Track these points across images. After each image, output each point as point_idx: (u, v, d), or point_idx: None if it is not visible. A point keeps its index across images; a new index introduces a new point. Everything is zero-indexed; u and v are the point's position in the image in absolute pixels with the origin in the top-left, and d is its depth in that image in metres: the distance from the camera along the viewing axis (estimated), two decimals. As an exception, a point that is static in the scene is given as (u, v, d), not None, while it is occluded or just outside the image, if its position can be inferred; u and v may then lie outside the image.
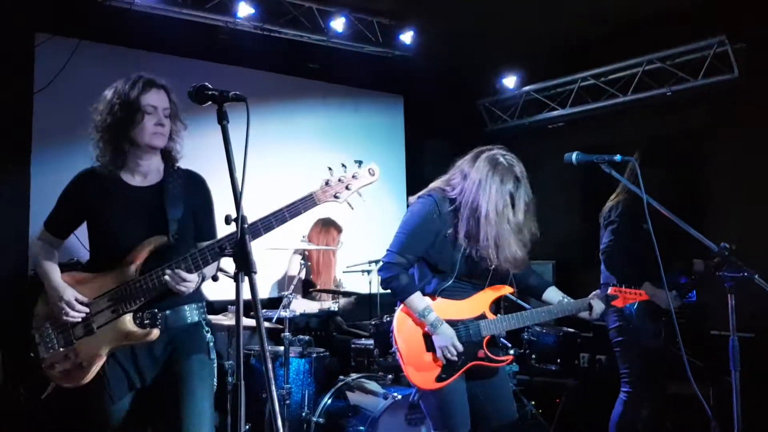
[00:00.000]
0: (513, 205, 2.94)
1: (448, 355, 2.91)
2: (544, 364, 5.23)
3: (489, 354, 3.00)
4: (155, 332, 2.53)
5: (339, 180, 2.54)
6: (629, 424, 3.89)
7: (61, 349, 2.56)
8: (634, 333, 3.86)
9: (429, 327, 2.92)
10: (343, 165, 2.55)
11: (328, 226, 5.45)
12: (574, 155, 3.13)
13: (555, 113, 6.92)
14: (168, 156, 2.71)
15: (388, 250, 3.03)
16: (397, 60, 6.37)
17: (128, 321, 2.52)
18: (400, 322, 3.01)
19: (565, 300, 3.18)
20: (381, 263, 3.07)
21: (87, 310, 2.54)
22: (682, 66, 5.79)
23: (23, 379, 4.22)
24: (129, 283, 2.51)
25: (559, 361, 5.23)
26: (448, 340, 2.91)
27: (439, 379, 2.93)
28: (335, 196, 2.53)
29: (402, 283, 2.97)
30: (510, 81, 7.14)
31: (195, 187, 2.75)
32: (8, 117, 4.83)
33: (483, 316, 3.01)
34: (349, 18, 5.84)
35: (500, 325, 3.02)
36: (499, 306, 3.15)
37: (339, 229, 5.46)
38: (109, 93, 2.58)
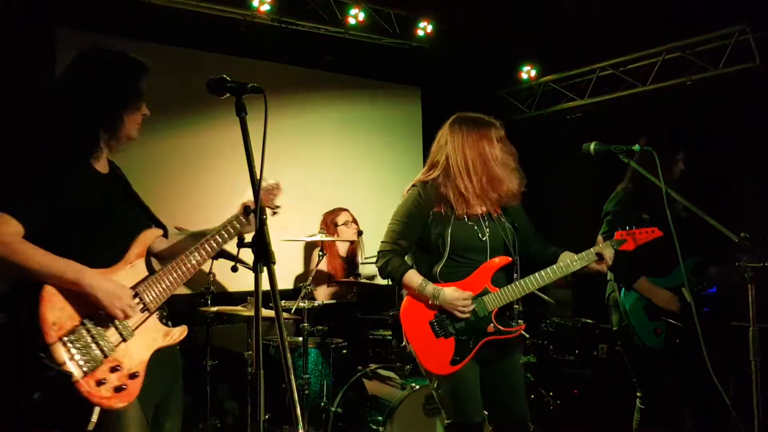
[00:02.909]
0: (486, 143, 3.03)
1: (465, 309, 2.90)
2: (562, 354, 5.23)
3: (499, 327, 2.98)
4: (185, 329, 2.34)
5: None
6: (650, 429, 3.84)
7: (104, 360, 2.08)
8: (634, 334, 3.76)
9: (431, 299, 2.93)
10: None
11: (339, 212, 5.52)
12: (592, 145, 3.12)
13: (573, 104, 6.88)
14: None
15: (381, 242, 3.10)
16: (414, 51, 6.36)
17: (157, 320, 2.29)
18: (405, 314, 3.02)
19: (569, 259, 3.07)
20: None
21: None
22: (703, 55, 5.72)
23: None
24: (150, 278, 2.26)
25: (577, 351, 5.23)
26: (453, 299, 2.90)
27: (453, 362, 2.92)
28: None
29: (395, 265, 3.02)
30: (528, 71, 7.11)
31: (124, 175, 2.49)
32: (29, 112, 4.88)
33: (486, 291, 2.99)
34: (366, 10, 5.84)
35: (504, 296, 2.99)
36: (510, 279, 3.10)
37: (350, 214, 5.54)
38: (96, 61, 2.25)
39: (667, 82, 5.98)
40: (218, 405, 4.86)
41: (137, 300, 2.20)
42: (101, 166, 2.31)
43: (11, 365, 2.01)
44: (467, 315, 2.92)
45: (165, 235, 2.46)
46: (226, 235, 2.45)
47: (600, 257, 3.04)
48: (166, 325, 2.31)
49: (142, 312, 2.22)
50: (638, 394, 3.85)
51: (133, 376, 2.12)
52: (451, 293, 2.91)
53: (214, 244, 2.42)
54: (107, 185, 2.31)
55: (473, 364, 2.98)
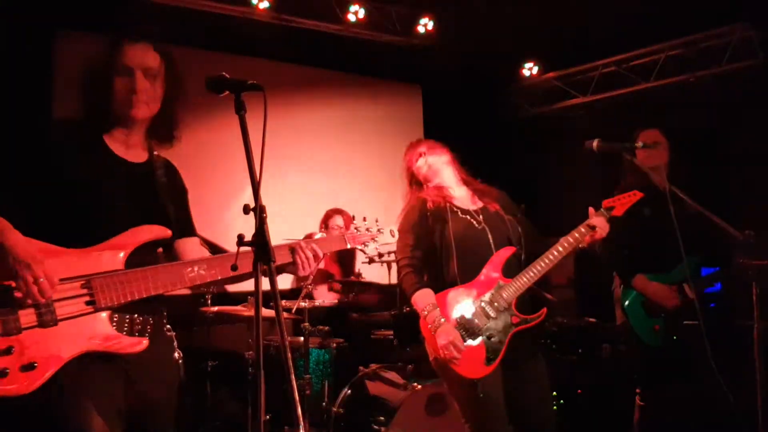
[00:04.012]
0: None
1: (448, 354, 2.83)
2: (566, 354, 5.20)
3: (522, 316, 2.98)
4: (145, 343, 2.06)
5: (367, 230, 2.77)
6: (650, 427, 3.82)
7: None
8: (633, 332, 3.74)
9: (431, 327, 2.90)
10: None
11: (333, 215, 5.47)
12: (595, 142, 3.11)
13: (576, 101, 6.85)
14: (156, 133, 2.28)
15: (398, 260, 3.15)
16: (415, 49, 6.33)
17: (106, 320, 2.00)
18: (428, 327, 2.99)
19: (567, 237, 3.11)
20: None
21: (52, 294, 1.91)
22: (706, 52, 5.70)
23: None
24: (117, 274, 2.02)
25: (580, 351, 5.20)
26: (445, 338, 2.84)
27: (488, 361, 2.89)
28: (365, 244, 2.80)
29: (409, 282, 3.04)
30: (530, 69, 7.09)
31: (175, 178, 2.38)
32: (29, 113, 4.86)
33: (500, 285, 2.99)
34: (366, 7, 5.81)
35: (518, 285, 2.99)
36: (521, 268, 3.07)
37: (347, 218, 5.48)
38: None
39: (669, 79, 5.96)
40: (219, 405, 4.84)
41: (81, 288, 1.96)
42: (125, 151, 2.20)
43: None
44: (450, 359, 2.85)
45: (170, 241, 2.24)
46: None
47: (593, 228, 3.06)
48: (131, 332, 2.06)
49: (88, 305, 1.96)
50: (638, 390, 3.84)
51: (27, 367, 1.83)
52: (448, 330, 2.86)
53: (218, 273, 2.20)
54: (121, 170, 2.16)
55: (498, 370, 2.93)
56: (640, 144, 3.18)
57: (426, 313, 2.92)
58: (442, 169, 3.25)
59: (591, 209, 3.13)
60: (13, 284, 1.86)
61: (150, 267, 2.07)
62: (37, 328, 1.88)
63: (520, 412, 3.00)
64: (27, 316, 1.87)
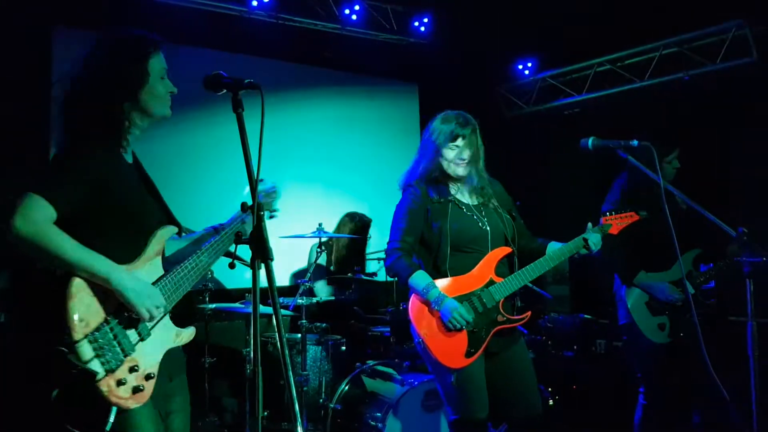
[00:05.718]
0: (455, 141, 3.13)
1: (456, 324, 2.92)
2: (561, 350, 5.23)
3: (507, 316, 3.05)
4: (194, 331, 2.31)
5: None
6: (652, 426, 3.83)
7: (125, 359, 2.02)
8: (638, 331, 3.76)
9: (433, 304, 2.95)
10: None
11: (349, 220, 5.51)
12: (590, 140, 3.12)
13: (571, 99, 6.87)
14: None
15: (388, 242, 3.15)
16: (411, 47, 6.35)
17: (170, 319, 2.23)
18: (415, 313, 3.04)
19: (562, 245, 3.19)
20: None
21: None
22: (700, 50, 5.72)
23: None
24: (168, 276, 2.19)
25: (575, 347, 5.23)
26: (453, 310, 2.92)
27: (468, 354, 2.96)
28: None
29: (403, 264, 3.05)
30: (526, 67, 7.11)
31: (144, 168, 2.40)
32: (27, 110, 4.87)
33: (491, 282, 3.05)
34: (363, 5, 5.82)
35: (509, 286, 3.05)
36: (512, 268, 3.15)
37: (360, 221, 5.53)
38: (104, 47, 2.29)
39: (664, 77, 5.97)
40: (217, 402, 4.86)
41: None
42: (127, 156, 2.26)
43: (31, 362, 1.91)
44: (455, 329, 2.94)
45: (178, 233, 2.34)
46: (233, 236, 2.39)
47: (587, 242, 3.15)
48: (182, 325, 2.26)
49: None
50: (641, 390, 3.85)
51: (149, 377, 2.07)
52: (452, 304, 2.94)
53: (222, 246, 2.38)
54: (132, 175, 2.24)
55: (480, 356, 3.01)
56: (635, 142, 3.19)
57: (427, 290, 2.96)
58: (470, 162, 3.16)
59: (589, 224, 3.22)
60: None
61: (181, 264, 2.23)
62: (140, 342, 2.09)
63: (504, 398, 3.08)
64: (133, 335, 2.08)
